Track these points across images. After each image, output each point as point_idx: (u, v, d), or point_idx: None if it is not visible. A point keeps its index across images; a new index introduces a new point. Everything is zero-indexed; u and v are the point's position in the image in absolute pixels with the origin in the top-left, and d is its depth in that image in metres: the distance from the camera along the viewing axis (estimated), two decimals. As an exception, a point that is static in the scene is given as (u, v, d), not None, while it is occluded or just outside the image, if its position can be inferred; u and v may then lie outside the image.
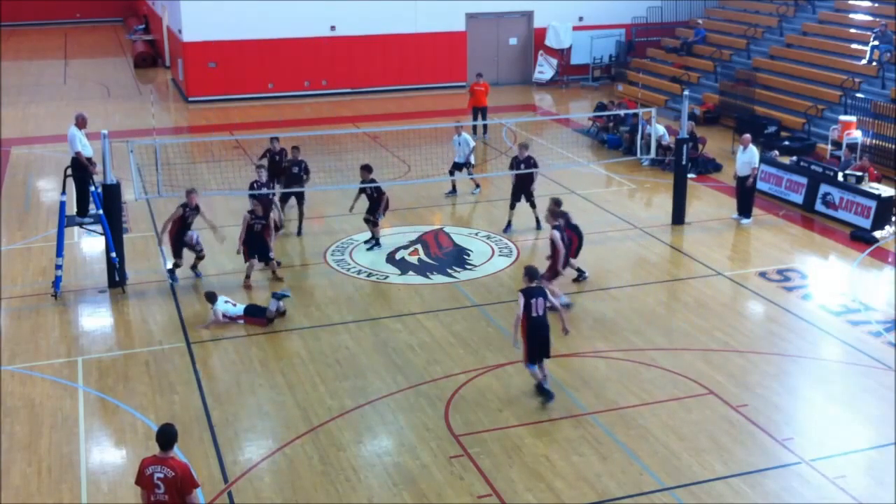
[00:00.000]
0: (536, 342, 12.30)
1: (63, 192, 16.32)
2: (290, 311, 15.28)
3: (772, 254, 18.03)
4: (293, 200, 19.23)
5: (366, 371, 13.41)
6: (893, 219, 19.03)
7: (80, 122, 17.95)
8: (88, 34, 50.86)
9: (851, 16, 30.03)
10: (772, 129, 25.51)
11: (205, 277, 16.73)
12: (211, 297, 15.02)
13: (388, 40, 33.57)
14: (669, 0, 35.77)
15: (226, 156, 24.72)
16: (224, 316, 14.92)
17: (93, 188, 17.30)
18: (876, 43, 26.67)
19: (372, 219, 18.04)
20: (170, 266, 16.59)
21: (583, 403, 12.45)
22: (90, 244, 18.32)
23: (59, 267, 15.90)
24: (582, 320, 15.19)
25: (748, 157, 19.42)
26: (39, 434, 11.91)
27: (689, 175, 20.69)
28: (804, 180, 20.64)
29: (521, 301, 12.18)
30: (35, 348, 14.27)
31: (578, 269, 16.41)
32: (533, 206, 18.87)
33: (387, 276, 16.96)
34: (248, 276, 16.40)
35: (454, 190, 21.63)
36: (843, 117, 23.82)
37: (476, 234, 19.05)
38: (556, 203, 15.51)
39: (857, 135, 23.05)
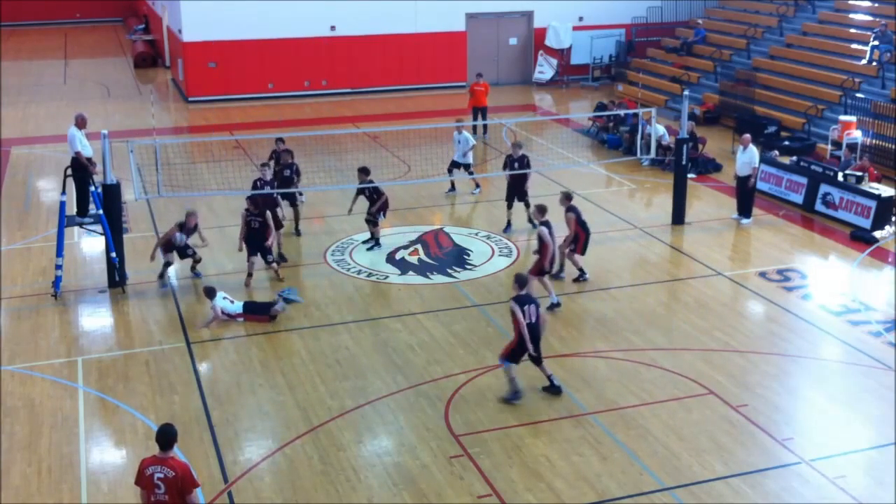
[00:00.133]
0: (525, 347, 12.31)
1: (63, 192, 16.32)
2: (290, 310, 15.28)
3: (772, 254, 18.03)
4: (285, 203, 19.07)
5: (366, 371, 13.41)
6: (893, 219, 19.03)
7: (80, 123, 17.96)
8: (88, 34, 50.87)
9: (851, 16, 30.03)
10: (772, 129, 25.51)
11: (205, 277, 16.72)
12: (210, 293, 14.99)
13: (388, 40, 33.57)
14: (669, 0, 35.77)
15: (226, 156, 24.72)
16: (223, 313, 14.91)
17: (93, 188, 17.31)
18: (876, 43, 26.68)
19: (372, 219, 18.04)
20: (160, 272, 16.42)
21: (583, 403, 12.45)
22: (90, 244, 18.32)
23: (59, 267, 15.90)
24: (582, 320, 15.20)
25: (748, 157, 19.42)
26: (39, 434, 11.91)
27: (689, 175, 20.70)
28: (804, 180, 20.64)
29: (517, 310, 12.19)
30: (35, 348, 14.27)
31: (580, 269, 16.43)
32: (527, 205, 18.85)
33: (387, 276, 16.96)
34: (249, 275, 16.36)
35: (453, 188, 21.64)
36: (843, 117, 23.82)
37: (476, 234, 19.05)
38: (542, 210, 15.47)
39: (857, 135, 23.05)
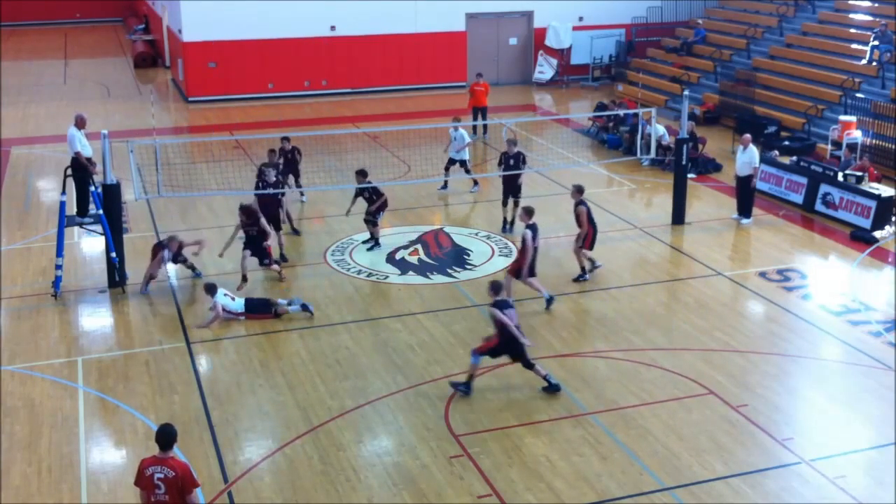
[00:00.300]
0: (505, 349, 12.46)
1: (63, 192, 16.32)
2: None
3: (772, 254, 18.03)
4: None
5: (366, 371, 13.41)
6: (893, 219, 19.03)
7: (80, 123, 17.99)
8: (88, 34, 50.87)
9: (851, 16, 30.02)
10: (772, 129, 25.51)
11: (205, 276, 16.69)
12: (211, 289, 14.96)
13: (388, 40, 33.56)
14: (669, 0, 35.77)
15: (226, 156, 24.72)
16: (224, 310, 14.89)
17: (93, 188, 17.32)
18: (876, 43, 26.67)
19: (371, 219, 18.04)
20: (143, 282, 16.22)
21: (583, 403, 12.45)
22: (90, 244, 18.32)
23: (59, 267, 15.90)
24: (582, 320, 15.21)
25: (748, 157, 19.42)
26: (39, 434, 11.91)
27: (689, 175, 20.70)
28: (804, 180, 20.64)
29: (500, 315, 12.34)
30: (35, 348, 14.27)
31: (583, 268, 16.45)
32: (516, 204, 18.76)
33: (387, 276, 16.96)
34: (244, 278, 16.15)
35: (446, 186, 21.65)
36: (843, 117, 23.82)
37: (476, 234, 19.05)
38: (529, 212, 15.45)
39: (857, 135, 23.05)
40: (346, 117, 30.06)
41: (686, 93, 20.55)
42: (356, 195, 18.15)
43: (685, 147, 19.34)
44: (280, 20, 32.25)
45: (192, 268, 16.75)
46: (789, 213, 20.40)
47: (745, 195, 19.72)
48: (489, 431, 11.82)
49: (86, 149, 17.96)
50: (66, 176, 16.63)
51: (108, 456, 11.54)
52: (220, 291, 15.00)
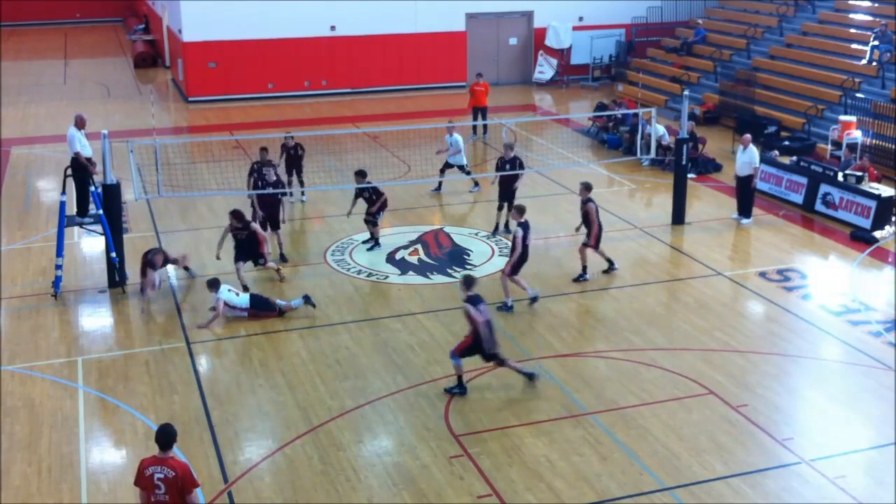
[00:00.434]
0: (479, 345, 12.48)
1: (63, 192, 16.32)
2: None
3: (772, 254, 18.03)
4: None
5: (366, 371, 13.41)
6: (893, 219, 19.03)
7: (79, 123, 17.99)
8: (88, 34, 50.87)
9: (851, 16, 30.03)
10: (772, 129, 25.51)
11: (198, 276, 16.62)
12: (214, 285, 14.94)
13: (388, 40, 33.57)
14: (669, 0, 35.77)
15: (226, 156, 24.72)
16: (227, 306, 14.85)
17: (93, 188, 17.32)
18: (876, 43, 26.67)
19: (371, 219, 18.04)
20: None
21: (583, 403, 12.45)
22: (90, 244, 18.32)
23: (59, 267, 15.90)
24: (582, 320, 15.21)
25: (748, 157, 19.42)
26: (39, 434, 11.91)
27: (689, 175, 20.70)
28: (804, 180, 20.64)
29: (472, 310, 12.36)
30: (35, 348, 14.27)
31: (586, 268, 16.46)
32: (509, 208, 18.71)
33: (387, 276, 16.96)
34: (242, 283, 16.15)
35: (439, 188, 21.65)
36: (843, 117, 23.82)
37: (476, 234, 19.05)
38: (521, 211, 15.47)
39: (857, 135, 23.05)
40: (346, 117, 30.06)
41: (686, 93, 20.55)
42: (356, 196, 18.15)
43: (685, 147, 19.34)
44: (280, 20, 32.25)
45: (187, 268, 16.74)
46: (789, 213, 20.40)
47: (746, 195, 19.72)
48: (489, 431, 11.82)
49: (85, 149, 17.97)
50: (66, 176, 16.64)
51: (108, 456, 11.54)
52: (224, 287, 14.98)
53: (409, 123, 27.83)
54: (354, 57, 33.31)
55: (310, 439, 11.69)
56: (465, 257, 17.82)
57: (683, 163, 19.37)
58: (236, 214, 16.06)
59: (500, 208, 19.02)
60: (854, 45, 27.81)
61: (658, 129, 22.23)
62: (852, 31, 28.98)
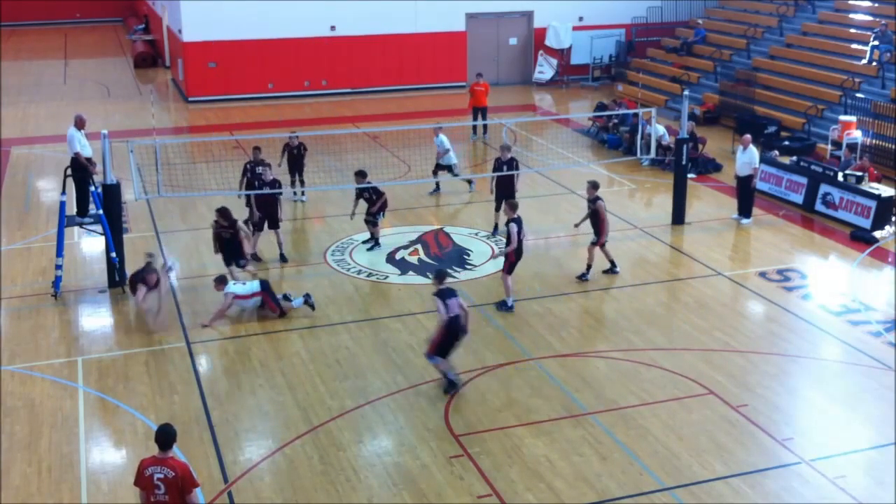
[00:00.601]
0: (451, 340, 12.54)
1: (63, 192, 16.32)
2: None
3: (772, 254, 18.03)
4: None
5: (366, 371, 13.41)
6: (893, 219, 19.03)
7: (79, 123, 18.00)
8: (88, 34, 50.87)
9: (851, 16, 30.03)
10: (772, 129, 25.51)
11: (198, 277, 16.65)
12: (221, 281, 14.94)
13: (388, 40, 33.57)
14: (669, 0, 35.77)
15: (226, 156, 24.72)
16: (236, 298, 14.84)
17: (93, 188, 17.31)
18: (876, 43, 26.67)
19: (372, 219, 18.04)
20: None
21: (583, 403, 12.45)
22: (90, 244, 18.32)
23: (59, 267, 15.90)
24: (582, 320, 15.21)
25: (748, 157, 19.42)
26: (39, 434, 11.91)
27: (689, 175, 20.70)
28: (804, 180, 20.64)
29: (440, 305, 12.42)
30: (35, 348, 14.27)
31: (590, 266, 16.46)
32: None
33: (387, 276, 16.96)
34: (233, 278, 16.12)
35: (437, 188, 21.64)
36: (843, 117, 23.82)
37: (476, 234, 19.05)
38: (513, 206, 15.44)
39: (857, 135, 23.05)
40: (346, 117, 30.06)
41: (686, 93, 20.55)
42: (357, 197, 18.14)
43: (685, 147, 19.34)
44: (280, 20, 32.26)
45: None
46: (789, 213, 20.40)
47: (746, 195, 19.72)
48: (489, 431, 11.82)
49: (85, 149, 17.97)
50: (65, 176, 16.64)
51: (108, 456, 11.53)
52: (231, 281, 15.01)
53: (409, 123, 27.83)
54: (354, 57, 33.31)
55: (310, 439, 11.69)
56: (465, 257, 17.82)
57: (683, 163, 19.37)
58: (223, 212, 15.85)
59: (497, 209, 19.00)
60: (854, 45, 27.80)
61: (658, 129, 22.23)
62: (852, 31, 28.98)
